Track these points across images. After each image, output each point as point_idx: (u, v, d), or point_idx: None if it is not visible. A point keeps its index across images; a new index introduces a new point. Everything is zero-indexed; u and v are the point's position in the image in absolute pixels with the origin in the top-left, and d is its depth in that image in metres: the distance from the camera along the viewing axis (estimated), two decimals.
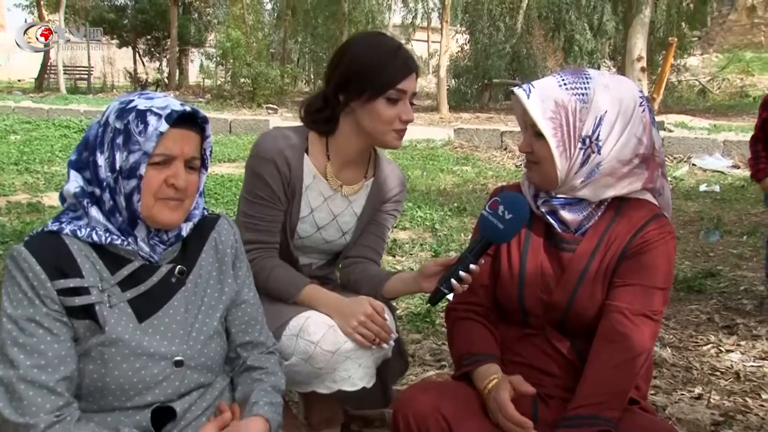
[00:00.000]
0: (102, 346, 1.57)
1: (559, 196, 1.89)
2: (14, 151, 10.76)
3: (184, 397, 1.68)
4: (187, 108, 1.58)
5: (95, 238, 1.58)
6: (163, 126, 1.54)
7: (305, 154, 2.28)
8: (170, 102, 1.59)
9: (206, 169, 1.72)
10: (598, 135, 1.81)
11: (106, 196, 1.58)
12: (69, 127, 14.16)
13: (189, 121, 1.60)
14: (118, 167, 1.57)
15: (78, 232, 1.58)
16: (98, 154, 1.59)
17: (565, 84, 1.83)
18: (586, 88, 1.82)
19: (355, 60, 2.19)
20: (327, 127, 2.29)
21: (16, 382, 1.49)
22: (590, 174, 1.83)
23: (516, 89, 1.88)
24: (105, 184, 1.58)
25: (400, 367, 2.50)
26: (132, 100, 1.60)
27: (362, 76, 2.16)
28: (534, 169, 1.91)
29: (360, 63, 2.17)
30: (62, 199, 1.65)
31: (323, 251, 2.44)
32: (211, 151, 1.72)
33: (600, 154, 1.82)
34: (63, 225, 1.60)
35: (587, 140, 1.81)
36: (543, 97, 1.83)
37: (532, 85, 1.87)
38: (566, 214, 1.89)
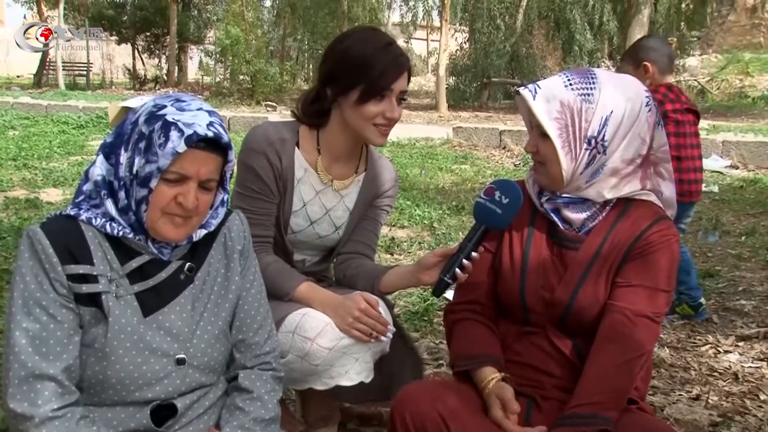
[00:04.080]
0: (105, 337, 1.57)
1: (563, 195, 1.89)
2: (12, 147, 10.74)
3: (185, 395, 1.68)
4: (210, 133, 1.54)
5: (108, 229, 1.59)
6: (182, 147, 1.52)
7: (296, 148, 2.29)
8: (199, 119, 1.55)
9: (225, 190, 1.71)
10: (604, 135, 1.80)
11: (122, 194, 1.59)
12: (67, 123, 14.16)
13: (212, 142, 1.57)
14: (135, 171, 1.56)
15: (94, 220, 1.59)
16: (122, 151, 1.59)
17: (570, 84, 1.82)
18: (591, 89, 1.81)
19: (344, 55, 2.19)
20: (317, 120, 2.29)
21: (18, 368, 1.50)
22: (595, 174, 1.83)
23: (522, 90, 1.86)
24: (122, 182, 1.58)
25: (413, 363, 2.48)
26: (164, 107, 1.57)
27: (350, 73, 2.15)
28: (540, 169, 1.90)
29: (349, 59, 2.17)
30: (85, 175, 1.65)
31: (317, 247, 2.43)
32: (231, 174, 1.69)
33: (605, 154, 1.81)
34: (81, 211, 1.60)
35: (593, 141, 1.80)
36: (548, 97, 1.82)
37: (538, 85, 1.85)
38: (569, 213, 1.89)
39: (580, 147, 1.81)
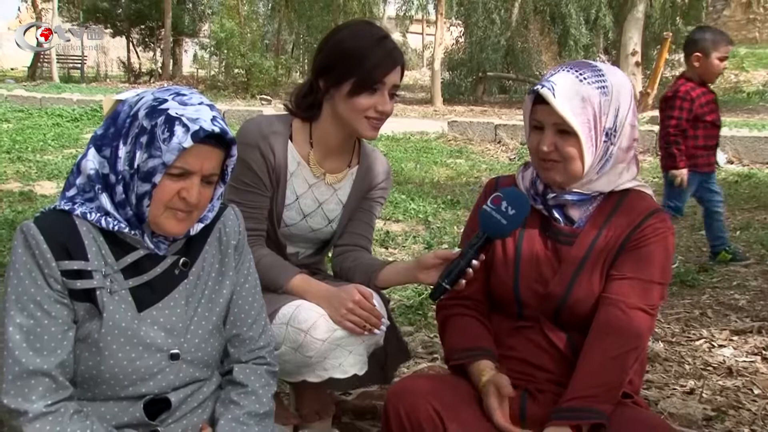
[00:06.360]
0: (99, 332, 1.56)
1: (574, 191, 1.88)
2: (6, 140, 10.71)
3: (179, 390, 1.67)
4: (216, 128, 1.54)
5: (104, 224, 1.57)
6: (188, 142, 1.51)
7: (289, 141, 2.28)
8: (202, 114, 1.54)
9: (225, 183, 1.70)
10: (616, 126, 1.80)
11: (119, 189, 1.57)
12: (62, 116, 14.13)
13: (216, 137, 1.56)
14: (136, 165, 1.55)
15: (89, 215, 1.57)
16: (121, 145, 1.57)
17: (585, 78, 1.79)
18: (604, 81, 1.80)
19: (338, 47, 2.19)
20: (310, 113, 2.29)
21: (12, 364, 1.49)
22: (604, 165, 1.84)
23: (540, 89, 1.79)
24: (120, 177, 1.57)
25: (400, 356, 2.49)
26: (165, 101, 1.56)
27: (344, 64, 2.15)
28: (555, 168, 1.85)
29: (343, 51, 2.17)
30: (76, 168, 1.62)
31: (310, 240, 2.43)
32: (233, 168, 1.69)
33: (614, 144, 1.82)
34: (75, 206, 1.58)
35: (609, 132, 1.80)
36: (568, 94, 1.77)
37: (552, 82, 1.79)
38: (574, 210, 1.89)
39: (600, 140, 1.81)
